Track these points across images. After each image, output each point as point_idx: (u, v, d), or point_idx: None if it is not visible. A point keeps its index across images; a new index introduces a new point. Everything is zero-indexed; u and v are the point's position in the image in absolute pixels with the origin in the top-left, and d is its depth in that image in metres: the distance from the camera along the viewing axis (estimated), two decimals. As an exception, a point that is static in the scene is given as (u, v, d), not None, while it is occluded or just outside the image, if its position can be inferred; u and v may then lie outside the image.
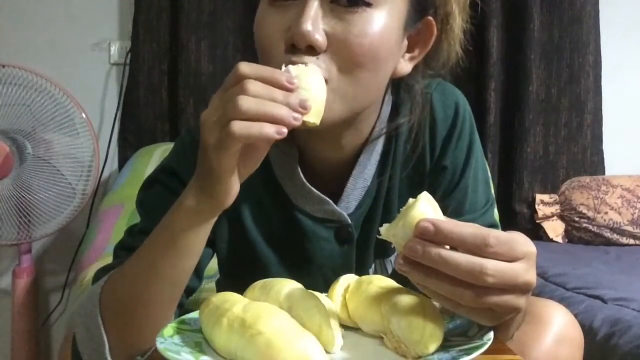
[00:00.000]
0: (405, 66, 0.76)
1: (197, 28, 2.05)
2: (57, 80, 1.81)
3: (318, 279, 0.80)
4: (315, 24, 0.66)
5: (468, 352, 0.55)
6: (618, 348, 1.27)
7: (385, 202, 0.82)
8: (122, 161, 2.04)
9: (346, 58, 0.67)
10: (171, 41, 2.08)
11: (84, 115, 1.83)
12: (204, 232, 0.65)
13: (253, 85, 0.56)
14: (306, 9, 0.66)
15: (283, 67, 0.61)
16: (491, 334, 0.59)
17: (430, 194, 0.58)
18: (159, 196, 0.78)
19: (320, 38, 0.66)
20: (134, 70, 2.06)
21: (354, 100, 0.70)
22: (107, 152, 2.07)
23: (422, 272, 0.54)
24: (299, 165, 0.79)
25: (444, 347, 0.58)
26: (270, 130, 0.55)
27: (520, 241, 0.55)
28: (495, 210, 0.97)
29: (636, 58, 2.33)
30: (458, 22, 0.77)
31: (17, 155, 1.77)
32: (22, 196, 1.78)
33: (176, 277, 0.67)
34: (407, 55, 0.76)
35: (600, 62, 2.24)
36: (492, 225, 0.84)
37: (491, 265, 0.53)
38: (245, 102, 0.55)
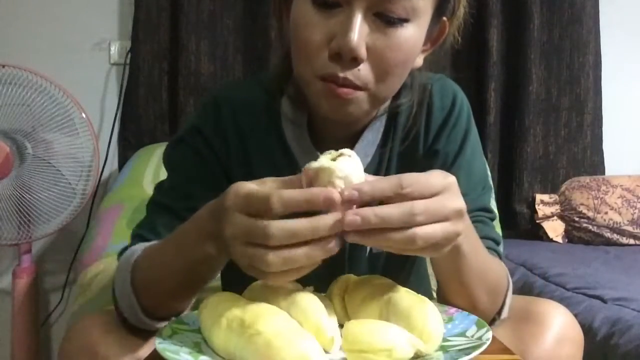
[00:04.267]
0: (419, 60, 0.80)
1: (197, 28, 2.05)
2: (57, 80, 1.81)
3: None
4: (360, 37, 0.69)
5: (467, 352, 0.55)
6: (618, 348, 1.27)
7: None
8: (122, 161, 2.04)
9: (382, 69, 0.72)
10: (171, 41, 2.08)
11: (84, 115, 1.82)
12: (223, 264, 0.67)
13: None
14: (353, 23, 0.69)
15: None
16: (490, 334, 0.59)
17: None
18: (184, 154, 0.86)
19: (364, 51, 0.70)
20: (134, 70, 2.06)
21: (382, 100, 0.79)
22: (107, 152, 2.07)
23: (371, 236, 0.56)
24: (308, 131, 0.84)
25: (443, 347, 0.58)
26: (299, 275, 0.57)
27: (435, 176, 0.59)
28: (493, 200, 0.98)
29: (636, 58, 2.33)
30: (462, 11, 0.82)
31: (17, 155, 1.77)
32: (22, 196, 1.78)
33: (196, 286, 0.71)
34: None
35: (600, 62, 2.24)
36: (484, 209, 0.86)
37: (418, 205, 0.56)
38: (273, 263, 0.54)
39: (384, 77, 0.73)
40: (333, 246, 0.55)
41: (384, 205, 0.56)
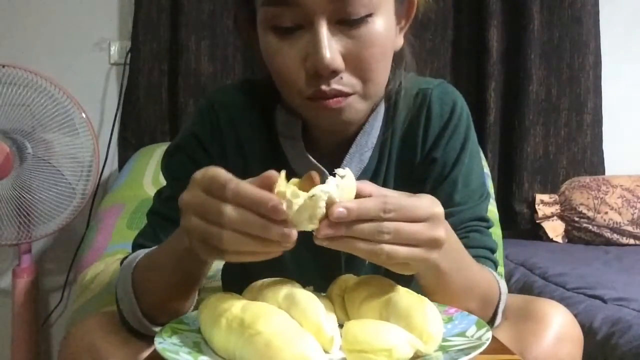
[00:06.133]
0: (399, 40, 0.80)
1: (197, 28, 2.05)
2: (57, 80, 1.81)
3: (308, 255, 0.82)
4: (332, 50, 0.69)
5: (466, 352, 0.55)
6: (618, 348, 1.27)
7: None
8: (122, 161, 2.04)
9: (364, 70, 0.72)
10: (171, 41, 2.08)
11: (84, 115, 1.83)
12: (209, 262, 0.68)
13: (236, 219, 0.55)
14: (320, 38, 0.68)
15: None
16: (489, 334, 0.59)
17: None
18: (182, 162, 0.85)
19: (340, 61, 0.70)
20: (134, 70, 2.06)
21: (375, 96, 0.78)
22: (107, 152, 2.07)
23: (340, 242, 0.57)
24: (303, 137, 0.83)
25: (442, 347, 0.58)
26: (254, 259, 0.57)
27: (422, 202, 0.59)
28: (491, 207, 0.98)
29: (636, 58, 2.33)
30: None
31: (17, 155, 1.77)
32: (22, 196, 1.78)
33: (189, 285, 0.72)
34: (397, 29, 0.79)
35: (600, 62, 2.24)
36: (481, 218, 0.85)
37: (387, 225, 0.57)
38: (228, 240, 0.55)
39: (368, 76, 0.73)
40: (289, 246, 0.56)
41: (359, 223, 0.56)
